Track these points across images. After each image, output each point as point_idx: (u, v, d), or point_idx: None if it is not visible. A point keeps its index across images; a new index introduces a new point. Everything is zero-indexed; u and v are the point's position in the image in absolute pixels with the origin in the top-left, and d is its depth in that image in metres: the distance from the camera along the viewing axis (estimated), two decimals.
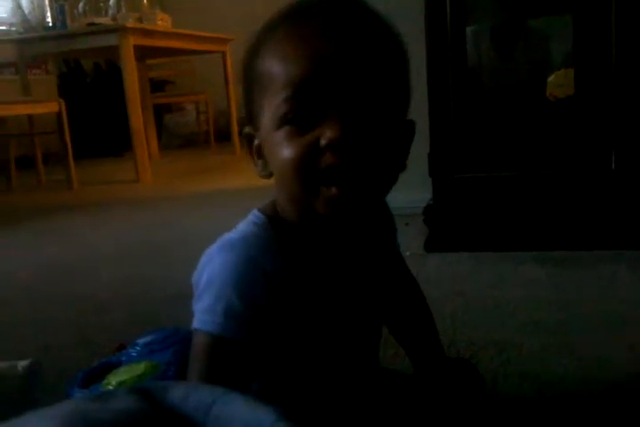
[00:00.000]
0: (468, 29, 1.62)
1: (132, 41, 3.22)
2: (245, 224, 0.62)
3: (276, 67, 0.57)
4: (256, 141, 0.62)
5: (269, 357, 0.61)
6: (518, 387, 0.91)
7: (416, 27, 1.60)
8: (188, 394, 0.30)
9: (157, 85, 5.00)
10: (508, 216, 1.62)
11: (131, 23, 3.34)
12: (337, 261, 0.64)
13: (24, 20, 3.94)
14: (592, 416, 0.82)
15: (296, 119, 0.55)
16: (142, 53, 3.81)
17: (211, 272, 0.58)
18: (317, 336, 0.62)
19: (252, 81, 0.60)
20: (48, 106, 3.17)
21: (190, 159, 4.41)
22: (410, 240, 1.65)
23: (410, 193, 1.86)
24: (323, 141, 0.54)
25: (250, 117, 0.62)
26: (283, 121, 0.56)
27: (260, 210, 0.64)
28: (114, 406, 0.28)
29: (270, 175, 0.61)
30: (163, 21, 3.74)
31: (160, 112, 4.95)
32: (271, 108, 0.57)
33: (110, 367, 0.90)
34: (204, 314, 0.57)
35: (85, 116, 4.29)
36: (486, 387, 0.79)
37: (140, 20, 3.59)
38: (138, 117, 3.29)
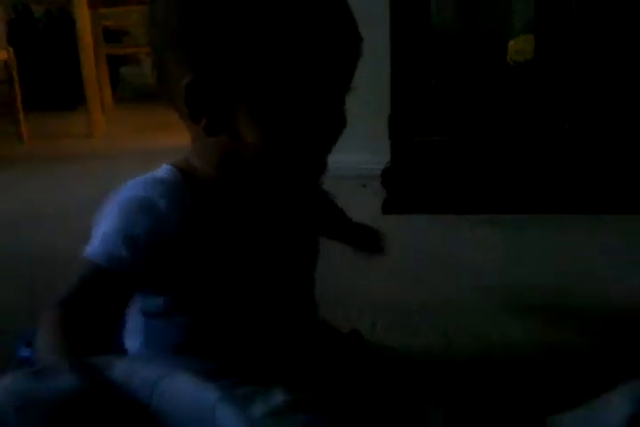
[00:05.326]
0: None
1: None
2: (153, 172, 0.64)
3: (300, 37, 0.57)
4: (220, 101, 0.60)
5: (196, 294, 0.63)
6: (468, 347, 0.93)
7: None
8: (133, 370, 0.30)
9: (113, 36, 4.81)
10: (465, 179, 1.64)
11: None
12: (252, 216, 0.65)
13: None
14: (540, 377, 0.85)
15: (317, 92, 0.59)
16: (95, 1, 3.64)
17: (106, 208, 0.63)
18: (236, 282, 0.64)
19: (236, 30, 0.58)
20: None
21: (146, 113, 4.26)
22: (367, 202, 1.65)
23: (368, 155, 1.86)
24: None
25: (219, 72, 0.59)
26: (307, 90, 0.58)
27: (171, 164, 0.64)
28: (54, 385, 0.27)
29: (218, 134, 0.60)
30: None
31: (116, 64, 4.78)
32: (286, 70, 0.57)
33: None
34: (91, 241, 0.62)
35: (36, 65, 4.12)
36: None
37: None
38: (90, 68, 3.17)
